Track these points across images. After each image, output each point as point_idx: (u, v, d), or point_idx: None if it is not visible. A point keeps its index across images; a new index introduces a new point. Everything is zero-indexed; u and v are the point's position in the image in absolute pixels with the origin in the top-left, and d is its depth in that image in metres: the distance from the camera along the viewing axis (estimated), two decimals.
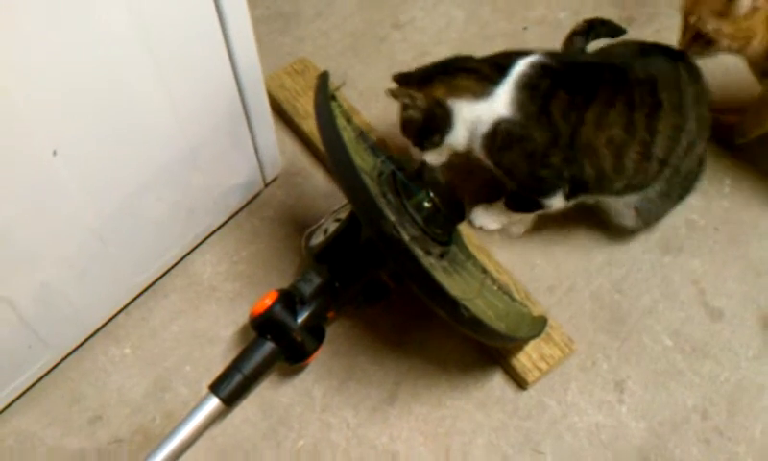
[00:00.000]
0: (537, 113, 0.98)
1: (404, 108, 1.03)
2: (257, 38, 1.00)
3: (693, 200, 1.20)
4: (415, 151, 1.06)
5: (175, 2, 0.86)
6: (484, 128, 1.00)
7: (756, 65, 1.10)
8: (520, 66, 0.99)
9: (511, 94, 0.98)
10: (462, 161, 1.10)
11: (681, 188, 1.09)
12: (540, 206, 1.07)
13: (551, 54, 1.01)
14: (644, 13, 1.45)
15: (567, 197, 1.05)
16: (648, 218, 1.12)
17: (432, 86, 1.00)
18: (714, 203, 1.20)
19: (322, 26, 1.43)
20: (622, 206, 1.10)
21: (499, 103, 0.98)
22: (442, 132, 1.01)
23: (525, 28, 1.40)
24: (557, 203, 1.06)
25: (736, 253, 1.16)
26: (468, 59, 1.04)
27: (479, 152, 1.03)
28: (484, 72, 1.00)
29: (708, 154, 1.24)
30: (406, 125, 1.04)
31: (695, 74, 1.04)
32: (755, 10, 1.01)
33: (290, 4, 1.47)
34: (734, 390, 1.04)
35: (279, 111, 1.30)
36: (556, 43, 1.35)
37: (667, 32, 1.23)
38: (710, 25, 1.02)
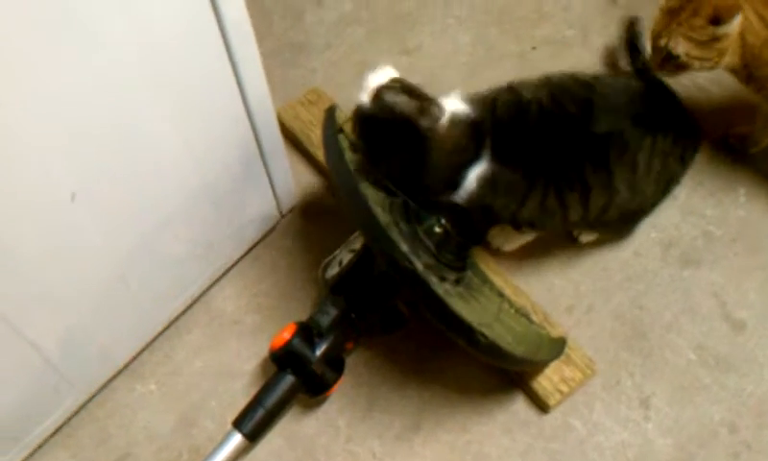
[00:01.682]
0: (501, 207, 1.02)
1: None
2: (269, 70, 1.01)
3: (709, 211, 1.19)
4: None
5: (185, 42, 0.87)
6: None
7: (736, 74, 1.07)
8: (484, 166, 0.98)
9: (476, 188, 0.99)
10: None
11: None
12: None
13: (512, 135, 0.99)
14: None
15: None
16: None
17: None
18: (731, 213, 1.19)
19: (332, 57, 1.44)
20: None
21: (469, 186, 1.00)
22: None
23: (534, 48, 1.40)
24: None
25: (755, 263, 1.14)
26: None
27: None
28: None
29: (723, 164, 1.24)
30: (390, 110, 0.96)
31: (647, 130, 1.01)
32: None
33: (300, 35, 1.48)
34: (761, 402, 1.03)
35: (295, 142, 1.31)
36: (564, 62, 1.36)
37: None
38: (681, 48, 0.99)
